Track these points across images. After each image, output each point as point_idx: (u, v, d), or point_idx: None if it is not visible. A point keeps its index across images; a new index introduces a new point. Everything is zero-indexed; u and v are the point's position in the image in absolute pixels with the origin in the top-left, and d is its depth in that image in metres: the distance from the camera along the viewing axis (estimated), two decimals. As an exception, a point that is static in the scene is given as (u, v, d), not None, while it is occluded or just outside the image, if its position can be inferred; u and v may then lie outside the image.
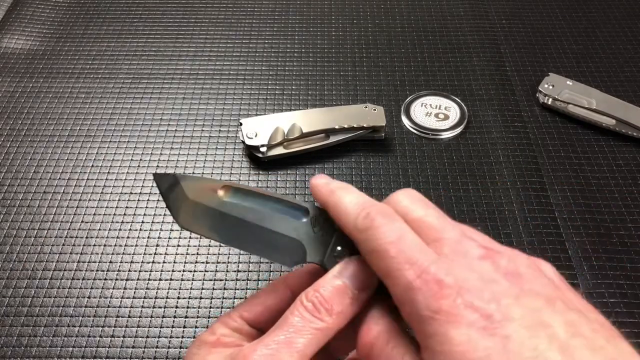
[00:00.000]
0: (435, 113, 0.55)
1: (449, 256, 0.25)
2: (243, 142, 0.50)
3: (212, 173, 0.50)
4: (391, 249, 0.25)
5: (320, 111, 0.53)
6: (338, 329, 0.26)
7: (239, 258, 0.45)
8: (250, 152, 0.51)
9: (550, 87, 0.56)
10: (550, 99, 0.55)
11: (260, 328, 0.29)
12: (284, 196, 0.31)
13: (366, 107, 0.52)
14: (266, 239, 0.30)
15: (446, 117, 0.55)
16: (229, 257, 0.45)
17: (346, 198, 0.28)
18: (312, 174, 0.50)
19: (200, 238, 0.45)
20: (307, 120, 0.51)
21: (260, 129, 0.50)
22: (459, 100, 0.56)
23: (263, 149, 0.50)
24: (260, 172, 0.50)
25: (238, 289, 0.43)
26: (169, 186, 0.32)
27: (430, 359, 0.23)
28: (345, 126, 0.51)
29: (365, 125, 0.51)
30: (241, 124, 0.51)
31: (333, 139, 0.51)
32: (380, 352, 0.25)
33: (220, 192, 0.31)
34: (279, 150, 0.51)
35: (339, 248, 0.29)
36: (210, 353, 0.27)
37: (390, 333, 0.26)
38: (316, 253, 0.29)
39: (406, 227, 0.26)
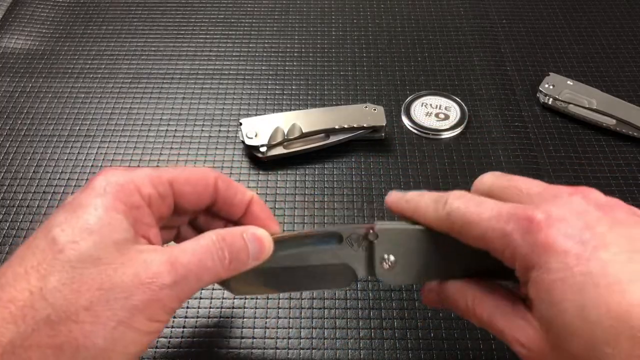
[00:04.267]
0: (435, 113, 0.55)
1: (537, 201, 0.26)
2: (243, 142, 0.50)
3: (212, 173, 0.50)
4: (476, 216, 0.27)
5: (320, 111, 0.53)
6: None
7: (239, 258, 0.44)
8: (250, 152, 0.51)
9: (551, 87, 0.55)
10: (551, 99, 0.55)
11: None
12: (312, 230, 0.34)
13: (366, 107, 0.52)
14: (315, 273, 0.32)
15: (446, 117, 0.55)
16: (228, 257, 0.45)
17: (422, 201, 0.30)
18: (311, 174, 0.50)
19: (200, 238, 0.45)
20: (307, 120, 0.51)
21: (260, 128, 0.50)
22: (459, 100, 0.56)
23: (263, 149, 0.50)
24: (260, 172, 0.50)
25: (238, 289, 0.43)
26: None
27: (533, 292, 0.25)
28: (345, 126, 0.51)
29: (365, 125, 0.51)
30: (241, 124, 0.51)
31: (333, 139, 0.51)
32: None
33: None
34: (279, 150, 0.51)
35: (385, 256, 0.30)
36: (118, 220, 0.27)
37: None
38: (363, 268, 0.31)
39: (481, 197, 0.28)
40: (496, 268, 0.27)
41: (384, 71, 0.60)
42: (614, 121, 0.53)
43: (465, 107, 0.55)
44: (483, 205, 0.27)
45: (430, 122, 0.54)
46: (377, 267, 0.31)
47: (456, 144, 0.53)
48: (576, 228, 0.24)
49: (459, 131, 0.54)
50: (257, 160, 0.51)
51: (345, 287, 0.34)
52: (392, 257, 0.30)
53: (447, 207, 0.28)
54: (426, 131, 0.54)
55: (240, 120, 0.51)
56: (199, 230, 0.34)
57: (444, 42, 0.63)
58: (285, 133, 0.50)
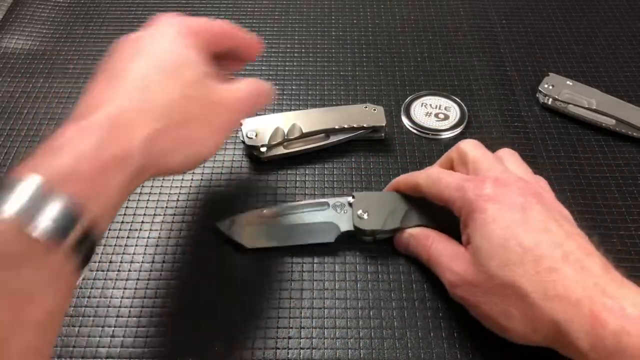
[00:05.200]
0: (435, 113, 0.55)
1: (486, 174, 0.39)
2: (243, 142, 0.50)
3: (212, 173, 0.50)
4: (445, 184, 0.39)
5: (320, 111, 0.53)
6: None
7: (239, 258, 0.45)
8: (250, 152, 0.51)
9: (550, 87, 0.56)
10: (550, 99, 0.55)
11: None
12: (308, 201, 0.46)
13: (366, 107, 0.52)
14: (309, 229, 0.44)
15: (446, 117, 0.55)
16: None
17: (419, 177, 0.42)
18: (311, 174, 0.50)
19: (199, 238, 0.46)
20: (307, 120, 0.51)
21: (261, 128, 0.50)
22: (459, 100, 0.56)
23: (263, 149, 0.50)
24: (261, 172, 0.50)
25: (238, 289, 0.43)
26: (228, 227, 0.45)
27: (471, 228, 0.36)
28: (345, 126, 0.51)
29: (365, 125, 0.51)
30: (241, 124, 0.51)
31: (333, 139, 0.51)
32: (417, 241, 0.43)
33: (266, 213, 0.45)
34: (279, 150, 0.51)
35: (360, 212, 0.43)
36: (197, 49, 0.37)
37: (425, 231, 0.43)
38: (345, 224, 0.44)
39: (448, 172, 0.41)
40: (443, 222, 0.42)
41: (384, 71, 0.60)
42: (614, 121, 0.53)
43: (465, 107, 0.56)
44: (451, 176, 0.40)
45: (430, 122, 0.54)
46: (355, 219, 0.43)
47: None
48: (516, 193, 0.37)
49: (458, 131, 0.54)
50: (257, 160, 0.51)
51: (331, 240, 0.44)
52: (365, 212, 0.43)
53: (430, 181, 0.41)
54: (426, 131, 0.54)
55: (241, 120, 0.51)
56: None
57: (444, 42, 0.63)
58: (286, 133, 0.50)
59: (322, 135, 0.51)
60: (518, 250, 0.34)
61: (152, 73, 0.34)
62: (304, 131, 0.50)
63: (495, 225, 0.35)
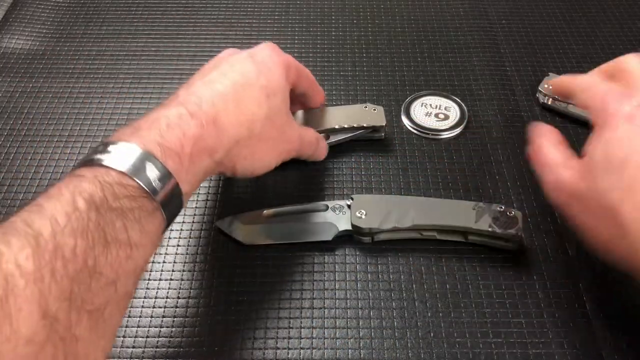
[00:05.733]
0: (435, 113, 0.55)
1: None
2: None
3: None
4: (593, 93, 0.39)
5: (320, 111, 0.53)
6: None
7: (239, 258, 0.45)
8: None
9: (550, 87, 0.56)
10: (550, 99, 0.55)
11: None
12: (308, 204, 0.47)
13: (366, 107, 0.52)
14: (308, 229, 0.45)
15: (446, 117, 0.55)
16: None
17: (575, 82, 0.42)
18: (311, 174, 0.50)
19: (199, 238, 0.46)
20: (307, 120, 0.51)
21: None
22: (459, 100, 0.56)
23: None
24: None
25: (238, 289, 0.43)
26: (228, 225, 0.46)
27: (595, 145, 0.36)
28: (345, 126, 0.51)
29: (365, 125, 0.51)
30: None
31: (333, 139, 0.51)
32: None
33: (266, 213, 0.46)
34: None
35: (358, 214, 0.44)
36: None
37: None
38: (343, 224, 0.45)
39: (608, 84, 0.39)
40: (441, 223, 0.44)
41: (383, 71, 0.60)
42: None
43: (465, 107, 0.56)
44: (598, 85, 0.39)
45: (430, 122, 0.54)
46: (353, 218, 0.44)
47: (456, 144, 0.53)
48: None
49: (458, 131, 0.54)
50: None
51: (329, 239, 0.44)
52: (363, 212, 0.44)
53: (584, 85, 0.41)
54: (426, 131, 0.54)
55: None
56: None
57: (444, 42, 0.63)
58: None
59: (323, 135, 0.51)
60: (634, 176, 0.33)
61: (241, 85, 0.39)
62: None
63: (619, 144, 0.35)
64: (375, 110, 0.52)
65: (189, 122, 0.35)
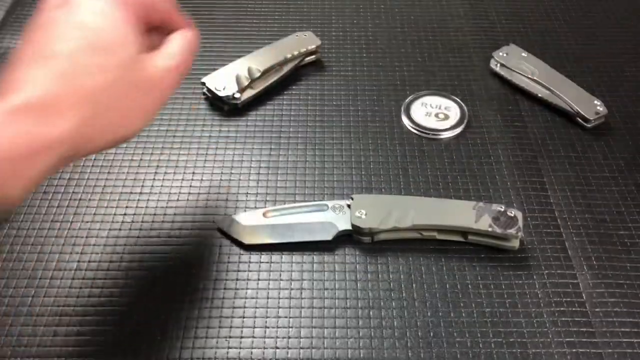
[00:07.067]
0: (435, 113, 0.55)
1: None
2: (207, 97, 0.55)
3: (212, 172, 0.50)
4: None
5: (265, 50, 0.58)
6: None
7: (239, 259, 0.45)
8: (225, 106, 0.55)
9: (505, 55, 0.58)
10: (499, 65, 0.58)
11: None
12: (308, 203, 0.47)
13: (297, 35, 0.59)
14: (308, 228, 0.45)
15: (446, 117, 0.55)
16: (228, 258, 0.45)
17: None
18: (311, 174, 0.50)
19: (199, 238, 0.46)
20: (258, 60, 0.56)
21: (222, 81, 0.55)
22: (459, 100, 0.56)
23: (237, 95, 0.54)
24: (261, 173, 0.50)
25: (238, 289, 0.43)
26: (228, 225, 0.46)
27: None
28: (289, 55, 0.57)
29: (307, 49, 0.58)
30: (204, 83, 0.55)
31: (286, 69, 0.57)
32: None
33: (266, 212, 0.46)
34: (249, 93, 0.55)
35: (357, 213, 0.44)
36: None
37: None
38: (343, 224, 0.45)
39: None
40: (440, 223, 0.44)
41: (384, 71, 0.60)
42: (548, 92, 0.55)
43: (465, 107, 0.56)
44: None
45: (430, 122, 0.54)
46: (353, 218, 0.44)
47: (456, 144, 0.53)
48: None
49: (458, 131, 0.54)
50: (237, 112, 0.53)
51: (329, 238, 0.44)
52: (363, 212, 0.44)
53: None
54: (426, 131, 0.54)
55: (202, 80, 0.55)
56: None
57: (444, 42, 0.63)
58: (247, 76, 0.55)
59: (276, 68, 0.57)
60: None
61: (81, 54, 0.32)
62: (260, 70, 0.55)
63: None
64: (306, 35, 0.58)
65: (14, 121, 0.29)
